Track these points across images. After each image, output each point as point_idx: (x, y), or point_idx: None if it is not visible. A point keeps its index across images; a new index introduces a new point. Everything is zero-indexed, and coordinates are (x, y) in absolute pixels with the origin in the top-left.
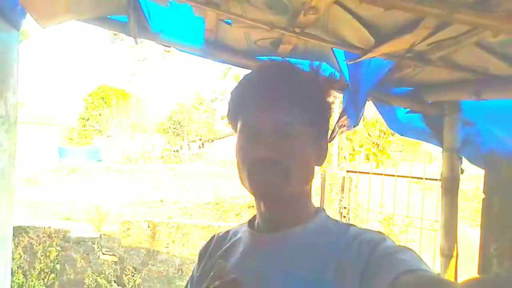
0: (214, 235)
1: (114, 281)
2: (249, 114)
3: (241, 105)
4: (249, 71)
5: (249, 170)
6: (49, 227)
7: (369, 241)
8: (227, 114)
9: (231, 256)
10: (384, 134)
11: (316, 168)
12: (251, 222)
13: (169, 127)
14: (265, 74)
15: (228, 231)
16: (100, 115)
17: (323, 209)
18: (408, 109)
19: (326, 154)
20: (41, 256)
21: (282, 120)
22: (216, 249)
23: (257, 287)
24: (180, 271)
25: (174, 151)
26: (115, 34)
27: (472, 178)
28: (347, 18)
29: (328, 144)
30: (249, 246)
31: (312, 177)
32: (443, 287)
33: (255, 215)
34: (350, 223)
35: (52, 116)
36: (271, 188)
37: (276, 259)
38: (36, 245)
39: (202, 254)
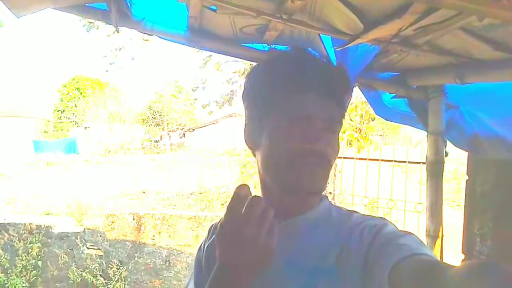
0: (213, 224)
1: (100, 275)
2: (298, 104)
3: (280, 93)
4: (234, 58)
5: (293, 161)
6: (30, 223)
7: (372, 227)
8: (247, 99)
9: None
10: (364, 119)
11: None
12: None
13: (148, 117)
14: (303, 64)
15: None
16: (76, 106)
17: (326, 196)
18: (394, 94)
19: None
20: (23, 253)
21: (334, 115)
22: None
23: (261, 274)
24: (167, 263)
25: (154, 141)
26: (90, 23)
27: (452, 160)
28: (335, 4)
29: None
30: None
31: None
32: (441, 270)
33: None
34: (352, 209)
35: (25, 109)
36: (315, 181)
37: (280, 246)
38: (16, 242)
39: (201, 246)
